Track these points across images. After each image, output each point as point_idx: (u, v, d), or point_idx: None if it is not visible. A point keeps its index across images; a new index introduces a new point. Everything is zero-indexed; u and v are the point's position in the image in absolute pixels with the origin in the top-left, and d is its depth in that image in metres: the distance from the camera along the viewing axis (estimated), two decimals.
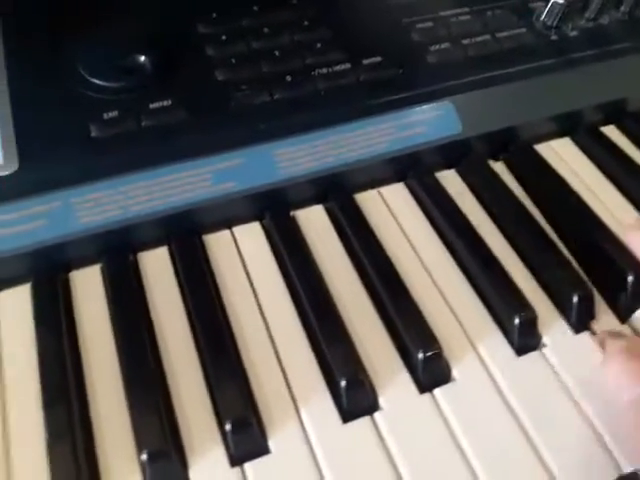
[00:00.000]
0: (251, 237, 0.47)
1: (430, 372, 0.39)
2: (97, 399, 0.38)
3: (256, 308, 0.43)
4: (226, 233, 0.47)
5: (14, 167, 0.44)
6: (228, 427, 0.36)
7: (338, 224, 0.48)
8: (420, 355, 0.39)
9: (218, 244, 0.46)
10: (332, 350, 0.39)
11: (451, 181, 0.51)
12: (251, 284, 0.44)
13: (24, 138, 0.45)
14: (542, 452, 0.37)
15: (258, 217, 0.48)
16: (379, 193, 0.50)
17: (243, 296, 0.44)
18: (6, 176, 0.44)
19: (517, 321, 0.41)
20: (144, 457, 0.35)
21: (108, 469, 0.36)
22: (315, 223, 0.48)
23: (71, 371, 0.39)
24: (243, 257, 0.46)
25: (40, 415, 0.37)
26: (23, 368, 0.40)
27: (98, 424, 0.37)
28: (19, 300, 0.43)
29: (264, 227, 0.48)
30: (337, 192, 0.49)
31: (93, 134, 0.46)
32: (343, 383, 0.37)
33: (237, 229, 0.47)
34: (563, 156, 0.54)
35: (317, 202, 0.49)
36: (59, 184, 0.43)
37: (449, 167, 0.52)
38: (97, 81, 0.48)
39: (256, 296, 0.44)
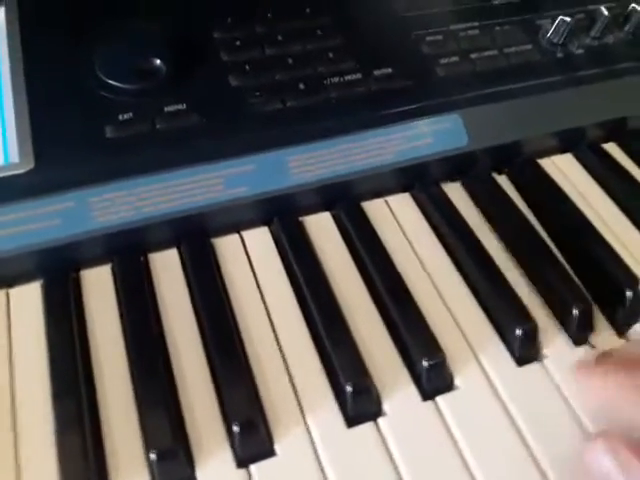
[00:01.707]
0: (259, 241, 0.48)
1: (433, 380, 0.40)
2: (106, 397, 0.39)
3: (263, 312, 0.44)
4: (235, 237, 0.48)
5: (30, 165, 0.44)
6: (235, 429, 0.37)
7: (345, 231, 0.49)
8: (424, 363, 0.40)
9: (227, 247, 0.47)
10: (338, 355, 0.40)
11: (456, 193, 0.52)
12: (259, 288, 0.45)
13: (40, 137, 0.46)
14: (541, 462, 0.38)
15: (267, 222, 0.49)
16: (386, 202, 0.51)
17: (251, 299, 0.44)
18: (22, 174, 0.44)
19: (518, 332, 0.42)
20: (152, 456, 0.35)
21: (116, 466, 0.37)
22: (322, 230, 0.49)
23: (81, 368, 0.40)
24: (251, 261, 0.47)
25: (49, 411, 0.38)
26: (33, 364, 0.40)
27: (107, 422, 0.38)
28: (30, 297, 0.43)
29: (272, 232, 0.48)
30: (345, 200, 0.49)
31: (108, 135, 0.47)
32: (349, 389, 0.38)
33: (246, 233, 0.48)
34: (565, 171, 0.55)
35: (325, 209, 0.50)
36: (74, 183, 0.44)
37: (454, 179, 0.53)
38: (113, 82, 0.49)
39: (263, 300, 0.44)
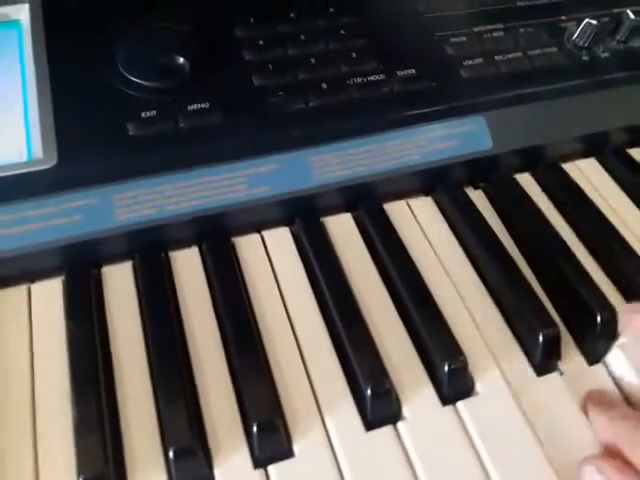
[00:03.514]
0: (280, 242, 0.48)
1: (454, 384, 0.40)
2: (125, 394, 0.39)
3: (283, 312, 0.44)
4: (256, 237, 0.48)
5: (53, 161, 0.45)
6: (255, 429, 0.36)
7: (366, 233, 0.48)
8: (445, 367, 0.39)
9: (248, 247, 0.47)
10: (359, 358, 0.40)
11: (479, 196, 0.51)
12: (279, 288, 0.45)
13: (63, 133, 0.46)
14: (559, 469, 0.37)
15: (288, 222, 0.49)
16: (407, 204, 0.51)
17: (271, 300, 0.44)
18: (45, 170, 0.44)
19: (541, 338, 0.41)
20: (171, 454, 0.35)
21: (133, 463, 0.37)
22: (343, 230, 0.49)
23: (100, 365, 0.40)
24: (272, 261, 0.47)
25: (69, 407, 0.38)
26: (53, 359, 0.40)
27: (125, 419, 0.38)
28: (51, 293, 0.44)
29: (293, 232, 0.48)
30: (367, 201, 0.49)
31: (131, 132, 0.47)
32: (369, 392, 0.38)
33: (267, 233, 0.48)
34: (589, 176, 0.54)
35: (346, 210, 0.50)
36: (96, 180, 0.44)
37: (477, 182, 0.52)
38: (136, 80, 0.49)
39: (283, 300, 0.44)
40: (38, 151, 0.45)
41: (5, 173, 0.44)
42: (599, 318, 0.42)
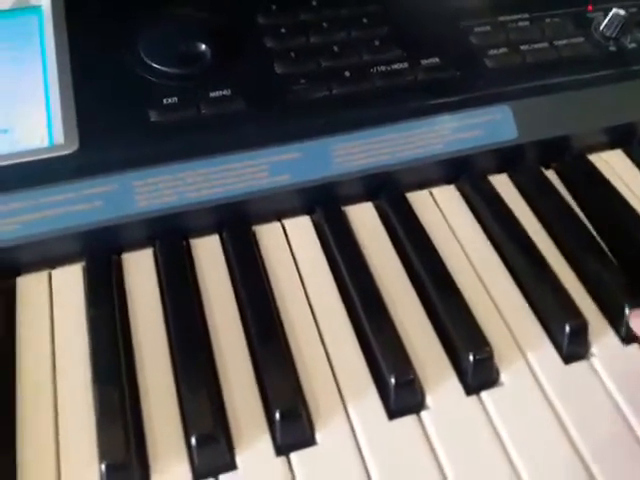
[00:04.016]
0: (301, 230, 0.47)
1: (479, 374, 0.39)
2: (147, 381, 0.39)
3: (305, 300, 0.43)
4: (277, 225, 0.47)
5: (74, 147, 0.44)
6: (277, 416, 0.36)
7: (388, 222, 0.48)
8: (470, 357, 0.39)
9: (269, 235, 0.47)
10: (381, 346, 0.39)
11: (503, 186, 0.50)
12: (300, 277, 0.44)
13: (85, 119, 0.46)
14: (586, 459, 0.37)
15: (309, 211, 0.48)
16: (430, 193, 0.50)
17: (292, 288, 0.44)
18: (66, 156, 0.44)
19: (567, 329, 0.40)
20: (193, 440, 0.35)
21: (155, 450, 0.36)
22: (365, 219, 0.48)
23: (122, 352, 0.39)
24: (292, 250, 0.46)
25: (90, 395, 0.38)
26: (74, 346, 0.40)
27: (147, 406, 0.38)
28: (72, 279, 0.43)
29: (314, 221, 0.48)
30: (389, 190, 0.49)
31: (152, 119, 0.46)
32: (392, 381, 0.37)
33: (287, 221, 0.48)
34: (615, 167, 0.53)
35: (368, 199, 0.49)
36: (117, 166, 0.44)
37: (501, 172, 0.52)
38: (158, 66, 0.48)
39: (305, 289, 0.44)
40: (59, 137, 0.45)
41: (26, 159, 0.44)
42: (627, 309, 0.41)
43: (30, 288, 0.43)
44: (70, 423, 0.37)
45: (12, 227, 0.42)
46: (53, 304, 0.42)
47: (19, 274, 0.43)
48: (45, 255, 0.43)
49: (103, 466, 0.34)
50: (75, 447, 0.36)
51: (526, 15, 0.58)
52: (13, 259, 0.43)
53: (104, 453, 0.35)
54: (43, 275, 0.43)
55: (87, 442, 0.36)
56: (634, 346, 0.42)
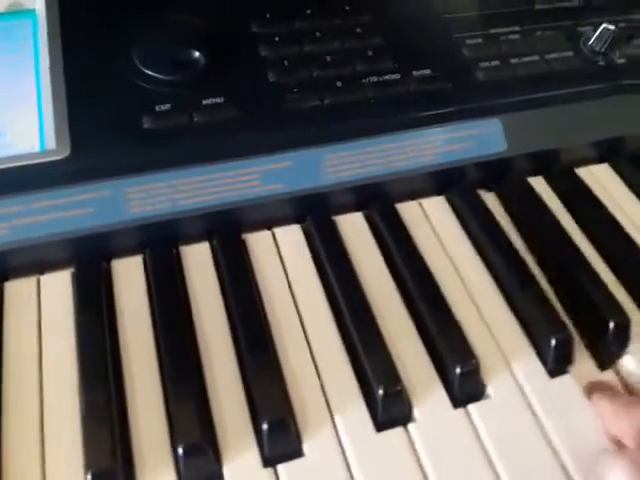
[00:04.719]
0: (291, 239, 0.47)
1: (466, 387, 0.39)
2: (134, 389, 0.39)
3: (294, 310, 0.43)
4: (267, 233, 0.48)
5: (66, 152, 0.44)
6: (265, 426, 0.36)
7: (378, 232, 0.48)
8: (457, 370, 0.39)
9: (259, 244, 0.47)
10: (370, 358, 0.39)
11: (491, 198, 0.51)
12: (289, 286, 0.45)
13: (77, 124, 0.46)
14: (571, 472, 0.37)
15: (299, 219, 0.48)
16: (420, 205, 0.50)
17: (281, 297, 0.44)
18: (57, 161, 0.44)
19: (553, 342, 0.41)
20: (180, 450, 0.35)
21: (142, 459, 0.36)
22: (355, 230, 0.48)
23: (109, 359, 0.39)
24: (282, 259, 0.46)
25: (77, 401, 0.38)
26: (61, 352, 0.40)
27: (134, 414, 0.38)
28: (60, 285, 0.43)
29: (304, 230, 0.48)
30: (379, 200, 0.49)
31: (145, 125, 0.46)
32: (380, 393, 0.38)
33: (278, 230, 0.48)
34: (602, 181, 0.54)
35: (357, 209, 0.50)
36: (109, 172, 0.44)
37: (489, 184, 0.52)
38: (151, 73, 0.48)
39: (294, 298, 0.44)
40: (51, 142, 0.45)
41: (17, 163, 0.44)
42: (612, 325, 0.42)
43: (18, 293, 0.43)
44: (56, 430, 0.37)
45: (1, 232, 0.41)
46: (41, 310, 0.42)
47: (7, 279, 0.43)
48: (34, 260, 0.43)
49: (89, 475, 0.34)
50: (61, 454, 0.36)
51: (517, 28, 0.58)
52: (1, 264, 0.42)
53: (90, 461, 0.35)
54: (32, 280, 0.43)
55: (73, 449, 0.36)
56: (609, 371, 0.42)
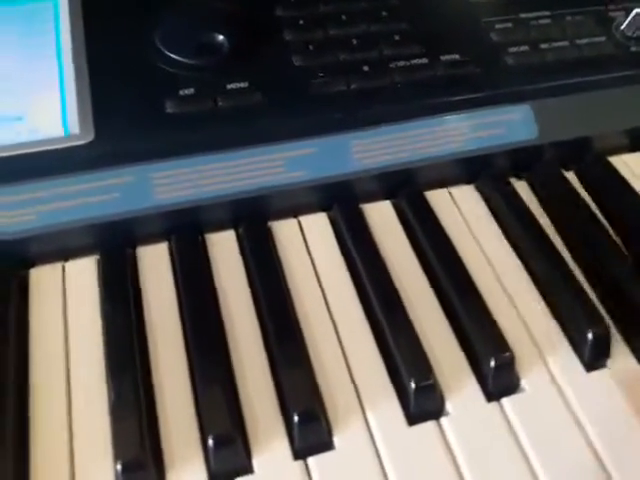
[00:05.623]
0: (318, 227, 0.46)
1: (500, 380, 0.38)
2: (162, 379, 0.38)
3: (322, 299, 0.42)
4: (293, 221, 0.47)
5: (90, 137, 0.44)
6: (295, 418, 0.35)
7: (406, 221, 0.47)
8: (492, 362, 0.38)
9: (284, 232, 0.46)
10: (401, 350, 0.38)
11: (523, 186, 0.50)
12: (317, 275, 0.44)
13: (100, 108, 0.45)
14: (608, 466, 0.36)
15: (325, 207, 0.47)
16: (449, 192, 0.49)
17: (309, 287, 0.43)
18: (81, 146, 0.43)
19: (590, 336, 0.40)
20: (210, 441, 0.34)
21: (171, 450, 0.35)
22: (383, 218, 0.47)
23: (136, 347, 0.39)
24: (309, 247, 0.45)
25: (104, 391, 0.37)
26: (87, 339, 0.39)
27: (162, 403, 0.37)
28: (85, 272, 0.43)
29: (331, 218, 0.47)
30: (407, 188, 0.48)
31: (168, 110, 0.45)
32: (412, 386, 0.37)
33: (304, 218, 0.47)
34: (635, 170, 0.53)
35: (386, 197, 0.49)
36: (133, 157, 0.43)
37: (520, 172, 0.51)
38: (175, 56, 0.48)
39: (322, 288, 0.43)
40: (74, 126, 0.44)
41: (41, 148, 0.43)
42: None
43: (43, 280, 0.42)
44: (84, 419, 0.36)
45: (26, 218, 0.41)
46: (66, 296, 0.41)
47: (33, 265, 0.42)
48: (59, 247, 0.42)
49: (119, 465, 0.33)
50: (89, 444, 0.35)
51: (547, 13, 0.57)
52: (26, 250, 0.42)
53: (120, 451, 0.34)
54: (57, 267, 0.42)
55: (102, 439, 0.35)
56: None
